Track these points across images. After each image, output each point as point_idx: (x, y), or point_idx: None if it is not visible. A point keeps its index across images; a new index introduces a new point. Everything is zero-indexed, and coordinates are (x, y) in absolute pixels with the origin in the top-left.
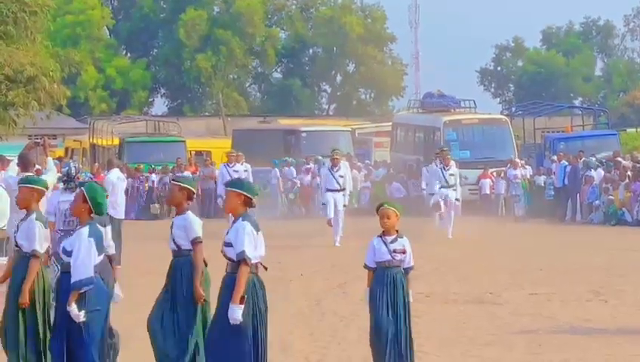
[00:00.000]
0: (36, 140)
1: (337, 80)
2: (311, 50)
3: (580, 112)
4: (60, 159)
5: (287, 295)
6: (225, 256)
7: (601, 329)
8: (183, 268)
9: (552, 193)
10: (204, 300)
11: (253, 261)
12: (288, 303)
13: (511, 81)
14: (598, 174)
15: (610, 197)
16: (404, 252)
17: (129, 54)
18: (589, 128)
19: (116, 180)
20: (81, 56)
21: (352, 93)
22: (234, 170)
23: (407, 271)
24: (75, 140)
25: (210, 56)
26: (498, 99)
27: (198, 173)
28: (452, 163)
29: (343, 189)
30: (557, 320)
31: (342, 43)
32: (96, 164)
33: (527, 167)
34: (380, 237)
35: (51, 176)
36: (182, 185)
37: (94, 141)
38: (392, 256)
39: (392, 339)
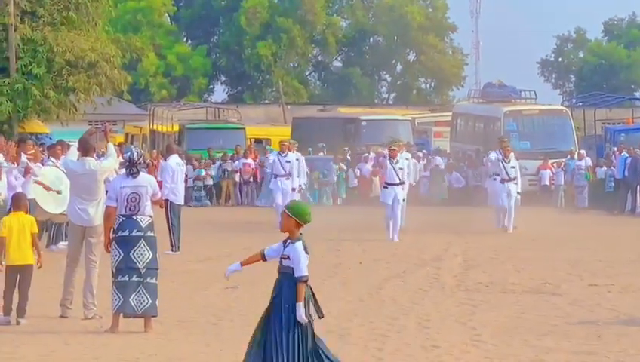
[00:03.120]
0: (97, 126)
1: (397, 69)
2: (371, 39)
3: None
4: (120, 145)
5: (346, 283)
6: None
7: None
8: None
9: (612, 185)
10: None
11: None
12: (347, 291)
13: (572, 72)
14: None
15: None
16: (287, 258)
17: (190, 41)
18: None
19: (175, 166)
20: (141, 43)
21: (412, 82)
22: (286, 160)
23: (296, 281)
24: (134, 126)
25: (271, 44)
26: (559, 90)
27: (257, 160)
28: (512, 154)
29: (403, 183)
30: (616, 312)
31: (403, 32)
32: (154, 150)
33: (587, 158)
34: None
35: (112, 161)
36: None
37: (154, 127)
38: (279, 261)
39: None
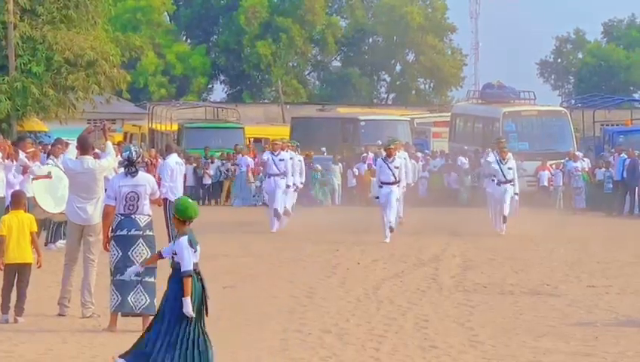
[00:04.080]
0: (96, 124)
1: (397, 69)
2: (371, 39)
3: None
4: (118, 144)
5: (344, 283)
6: None
7: None
8: None
9: (611, 186)
10: None
11: None
12: (345, 291)
13: (571, 73)
14: None
15: None
16: (176, 254)
17: (189, 40)
18: None
19: (175, 165)
20: (141, 42)
21: (411, 82)
22: (279, 159)
23: (182, 276)
24: (133, 125)
25: (270, 44)
26: (558, 91)
27: (256, 160)
28: (509, 155)
29: (398, 181)
30: (614, 313)
31: (402, 32)
32: (153, 149)
33: (585, 159)
34: None
35: (110, 159)
36: None
37: (153, 126)
38: (171, 257)
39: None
